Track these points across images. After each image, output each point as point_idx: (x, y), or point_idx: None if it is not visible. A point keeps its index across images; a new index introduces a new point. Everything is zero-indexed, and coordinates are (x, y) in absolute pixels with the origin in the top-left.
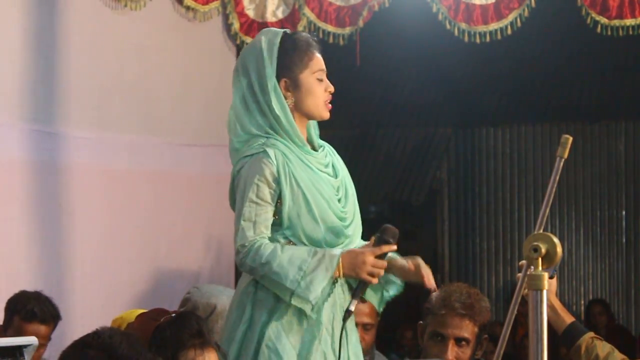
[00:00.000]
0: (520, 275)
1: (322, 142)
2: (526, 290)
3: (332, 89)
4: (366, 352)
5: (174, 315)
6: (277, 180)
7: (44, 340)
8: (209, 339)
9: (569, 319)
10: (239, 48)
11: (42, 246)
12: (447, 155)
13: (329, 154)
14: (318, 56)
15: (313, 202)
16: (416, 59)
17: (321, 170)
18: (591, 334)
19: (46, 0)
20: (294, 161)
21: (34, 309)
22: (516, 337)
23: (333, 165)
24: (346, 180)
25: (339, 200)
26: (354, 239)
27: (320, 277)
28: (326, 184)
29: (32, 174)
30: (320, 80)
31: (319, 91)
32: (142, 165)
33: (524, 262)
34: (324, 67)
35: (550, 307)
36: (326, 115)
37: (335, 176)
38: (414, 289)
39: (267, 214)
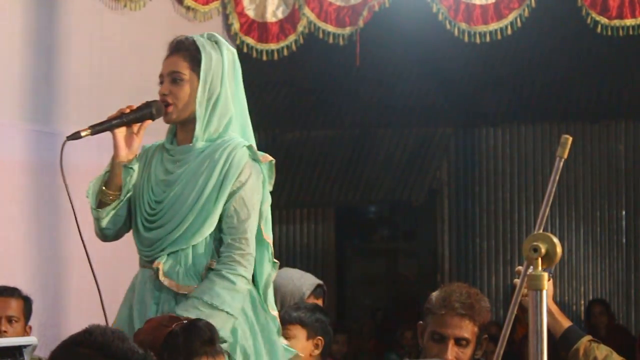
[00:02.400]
0: (517, 280)
1: (216, 143)
2: (525, 296)
3: (162, 92)
4: None
5: (185, 322)
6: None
7: (16, 314)
8: (219, 346)
9: (566, 322)
10: (239, 48)
11: (41, 246)
12: (447, 155)
13: (199, 154)
14: (165, 61)
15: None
16: (416, 59)
17: (165, 166)
18: (589, 337)
19: (46, 0)
20: (154, 156)
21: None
22: (515, 336)
23: (203, 162)
24: (188, 180)
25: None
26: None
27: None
28: (154, 176)
29: (32, 174)
30: (160, 83)
31: (160, 95)
32: None
33: (520, 268)
34: (163, 70)
35: (548, 311)
36: (165, 119)
37: (173, 173)
38: (414, 289)
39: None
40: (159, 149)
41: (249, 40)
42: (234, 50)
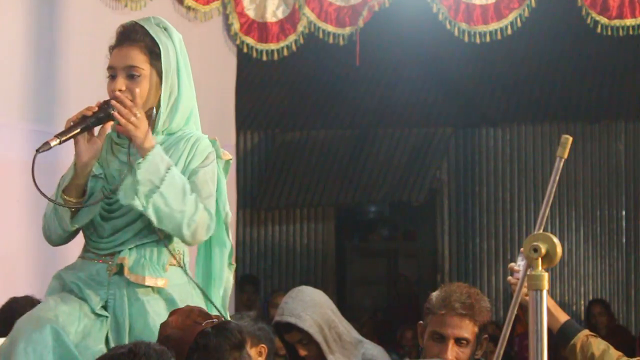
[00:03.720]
0: (510, 278)
1: (176, 135)
2: (526, 296)
3: (117, 88)
4: None
5: (216, 321)
6: None
7: None
8: (246, 353)
9: (563, 317)
10: (239, 48)
11: (41, 246)
12: (447, 155)
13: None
14: (116, 51)
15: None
16: (416, 59)
17: (118, 157)
18: (586, 331)
19: (46, 0)
20: (107, 144)
21: None
22: (513, 334)
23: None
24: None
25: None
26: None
27: None
28: (107, 167)
29: None
30: (111, 77)
31: (108, 91)
32: None
33: (513, 264)
34: (115, 63)
35: None
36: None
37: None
38: (413, 289)
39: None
40: (107, 139)
41: (249, 40)
42: (181, 36)
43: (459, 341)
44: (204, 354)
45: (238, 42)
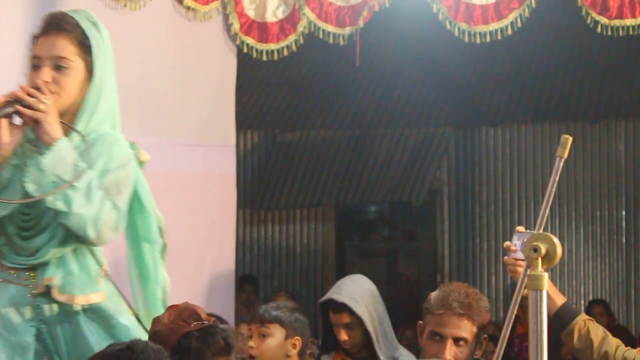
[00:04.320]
0: (507, 258)
1: (92, 137)
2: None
3: (43, 78)
4: None
5: (204, 323)
6: None
7: None
8: (234, 357)
9: (560, 300)
10: (239, 48)
11: None
12: (447, 155)
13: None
14: (42, 40)
15: None
16: (416, 59)
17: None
18: (583, 316)
19: (46, 0)
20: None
21: None
22: (514, 334)
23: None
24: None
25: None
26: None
27: None
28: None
29: None
30: (34, 67)
31: (30, 81)
32: None
33: (509, 243)
34: (42, 53)
35: None
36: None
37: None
38: (414, 289)
39: None
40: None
41: (249, 40)
42: (108, 33)
43: (457, 341)
44: (185, 356)
45: (238, 42)
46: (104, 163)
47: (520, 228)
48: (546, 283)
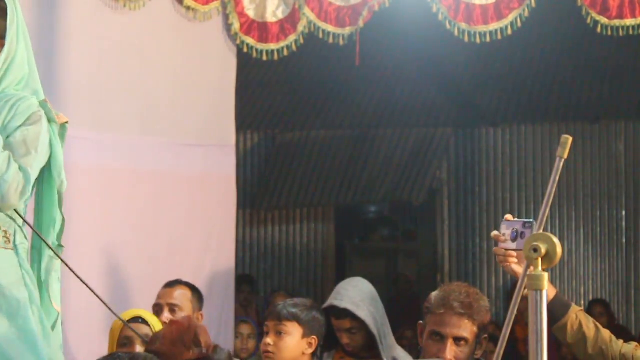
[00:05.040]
0: (496, 248)
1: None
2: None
3: None
4: None
5: (204, 351)
6: None
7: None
8: None
9: (551, 292)
10: (239, 48)
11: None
12: (447, 155)
13: None
14: None
15: None
16: (416, 59)
17: None
18: (575, 308)
19: (46, 0)
20: None
21: None
22: (516, 335)
23: None
24: None
25: None
26: None
27: None
28: None
29: None
30: None
31: None
32: (142, 165)
33: (496, 233)
34: None
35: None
36: None
37: None
38: (414, 289)
39: None
40: None
41: (249, 40)
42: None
43: (457, 340)
44: None
45: (238, 42)
46: (8, 121)
47: (509, 216)
48: (546, 283)
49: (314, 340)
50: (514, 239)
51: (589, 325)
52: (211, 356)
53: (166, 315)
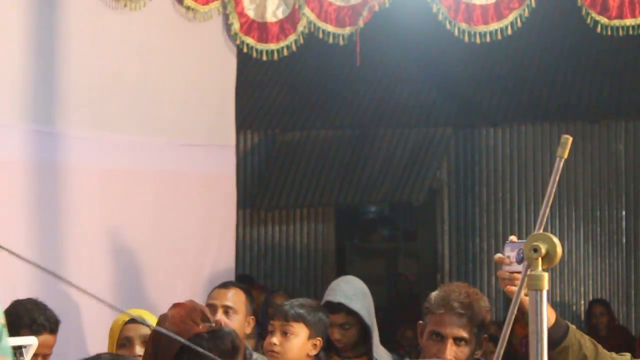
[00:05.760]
0: (500, 272)
1: None
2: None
3: None
4: None
5: (212, 325)
6: None
7: (50, 350)
8: (239, 358)
9: (551, 315)
10: (239, 48)
11: (41, 246)
12: (447, 155)
13: None
14: None
15: None
16: (416, 59)
17: None
18: (573, 330)
19: (46, 0)
20: None
21: (41, 321)
22: (515, 335)
23: None
24: None
25: None
26: None
27: None
28: None
29: (32, 174)
30: None
31: None
32: (142, 165)
33: (500, 255)
34: None
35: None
36: None
37: None
38: (414, 289)
39: None
40: None
41: (249, 40)
42: None
43: (457, 340)
44: (194, 356)
45: (238, 42)
46: None
47: (513, 238)
48: (546, 283)
49: (318, 341)
50: (520, 261)
51: (587, 345)
52: (220, 330)
53: (220, 317)
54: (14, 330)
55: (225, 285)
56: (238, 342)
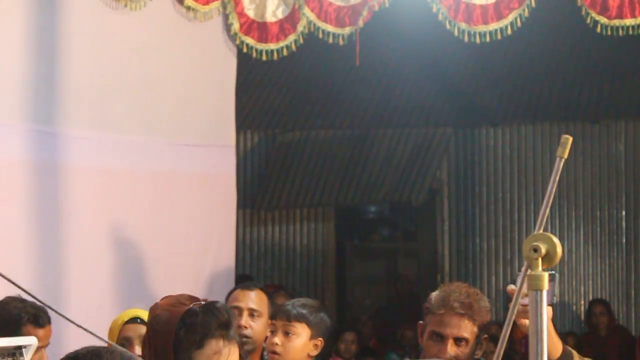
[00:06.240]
0: (520, 308)
1: None
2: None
3: None
4: None
5: (204, 302)
6: None
7: (49, 340)
8: (235, 333)
9: (559, 344)
10: (239, 48)
11: (41, 246)
12: (447, 155)
13: None
14: None
15: None
16: (416, 59)
17: None
18: (575, 356)
19: (46, 0)
20: None
21: (40, 313)
22: (515, 335)
23: None
24: None
25: None
26: None
27: None
28: None
29: (32, 174)
30: None
31: None
32: (142, 165)
33: (513, 287)
34: None
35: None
36: None
37: None
38: (414, 289)
39: None
40: None
41: (249, 40)
42: None
43: (458, 341)
44: (191, 329)
45: (238, 42)
46: None
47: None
48: (546, 283)
49: (320, 342)
50: None
51: None
52: (212, 303)
53: (245, 320)
54: (16, 330)
55: (248, 287)
56: (232, 316)
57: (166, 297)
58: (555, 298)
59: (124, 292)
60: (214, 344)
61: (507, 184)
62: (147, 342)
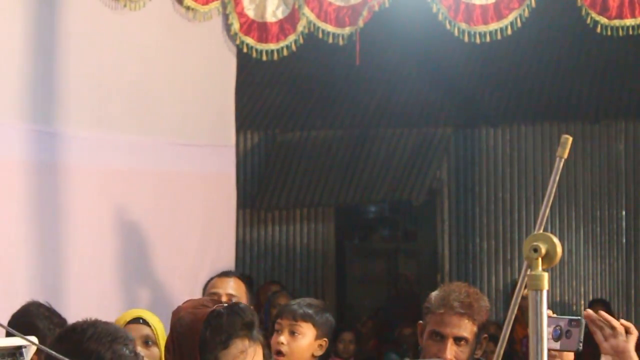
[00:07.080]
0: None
1: None
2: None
3: None
4: None
5: (227, 303)
6: None
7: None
8: (258, 334)
9: None
10: (239, 48)
11: (41, 246)
12: (447, 155)
13: None
14: None
15: None
16: (416, 59)
17: None
18: None
19: (46, 0)
20: None
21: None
22: (515, 335)
23: None
24: None
25: None
26: None
27: None
28: None
29: (32, 174)
30: None
31: None
32: (142, 165)
33: (590, 312)
34: None
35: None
36: None
37: None
38: (413, 289)
39: None
40: None
41: (249, 40)
42: None
43: (457, 340)
44: (216, 330)
45: (238, 42)
46: None
47: (550, 312)
48: (546, 283)
49: (324, 342)
50: (557, 338)
51: None
52: (236, 304)
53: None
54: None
55: (226, 274)
56: (256, 317)
57: (188, 300)
58: (580, 344)
59: (123, 292)
60: (240, 344)
61: (507, 184)
62: (171, 345)
